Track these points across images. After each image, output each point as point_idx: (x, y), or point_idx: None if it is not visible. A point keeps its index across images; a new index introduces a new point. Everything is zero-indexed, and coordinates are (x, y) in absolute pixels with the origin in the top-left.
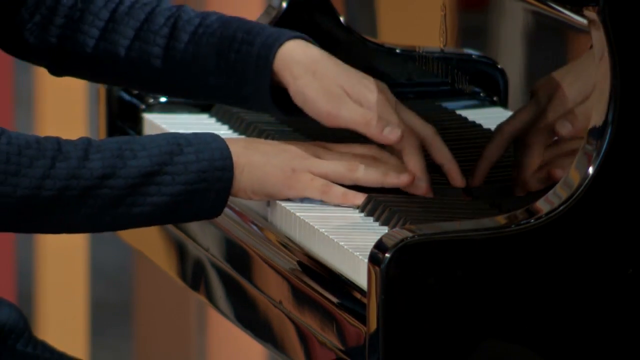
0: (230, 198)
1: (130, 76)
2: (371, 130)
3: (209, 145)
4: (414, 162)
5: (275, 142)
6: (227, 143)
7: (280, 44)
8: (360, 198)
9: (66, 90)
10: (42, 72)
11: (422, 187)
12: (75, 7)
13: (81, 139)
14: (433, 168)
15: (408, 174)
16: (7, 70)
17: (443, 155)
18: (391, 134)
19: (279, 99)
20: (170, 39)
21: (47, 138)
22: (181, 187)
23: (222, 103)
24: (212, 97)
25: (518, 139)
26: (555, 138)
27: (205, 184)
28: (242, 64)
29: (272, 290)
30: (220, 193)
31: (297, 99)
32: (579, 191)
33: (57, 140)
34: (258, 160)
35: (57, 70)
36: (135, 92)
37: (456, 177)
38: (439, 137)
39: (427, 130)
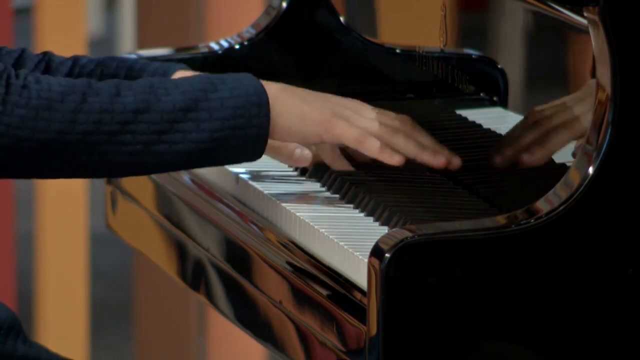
0: (230, 198)
1: None
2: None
3: (242, 82)
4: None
5: (314, 92)
6: (263, 83)
7: (172, 74)
8: (397, 159)
9: None
10: None
11: (445, 152)
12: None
13: (112, 79)
14: (435, 168)
15: (444, 157)
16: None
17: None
18: (301, 157)
19: None
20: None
21: (77, 79)
22: (219, 122)
23: None
24: None
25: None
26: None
27: (243, 120)
28: None
29: (272, 290)
30: (260, 130)
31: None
32: (579, 191)
33: (87, 80)
34: (297, 104)
35: None
36: None
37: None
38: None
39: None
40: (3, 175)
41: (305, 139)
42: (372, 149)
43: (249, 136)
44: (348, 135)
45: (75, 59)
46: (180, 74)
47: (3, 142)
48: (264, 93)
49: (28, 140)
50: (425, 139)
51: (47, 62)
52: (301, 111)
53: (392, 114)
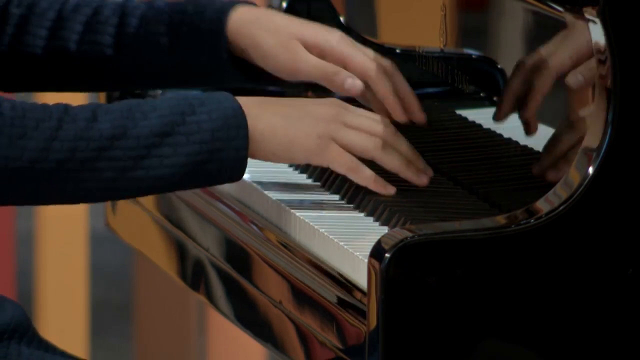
0: (230, 198)
1: (85, 72)
2: (332, 84)
3: (221, 104)
4: (384, 85)
5: (293, 102)
6: (242, 104)
7: (232, 8)
8: (390, 188)
9: None
10: None
11: (422, 165)
12: (24, 15)
13: (90, 103)
14: (436, 168)
15: (427, 177)
16: None
17: (403, 87)
18: (353, 88)
19: (238, 68)
20: (119, 26)
21: (53, 104)
22: (196, 146)
23: (184, 86)
24: (172, 80)
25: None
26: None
27: (221, 143)
28: (196, 34)
29: (272, 290)
30: (239, 152)
31: (257, 57)
32: (579, 191)
33: (64, 105)
34: (280, 124)
35: (10, 82)
36: (137, 91)
37: (416, 111)
38: (399, 71)
39: (387, 64)
40: None
41: (292, 162)
42: (364, 179)
43: (228, 159)
44: (339, 164)
45: (150, 2)
46: (242, 8)
47: None
48: (242, 115)
49: (1, 169)
50: (405, 146)
51: (123, 6)
52: (287, 136)
53: (372, 116)
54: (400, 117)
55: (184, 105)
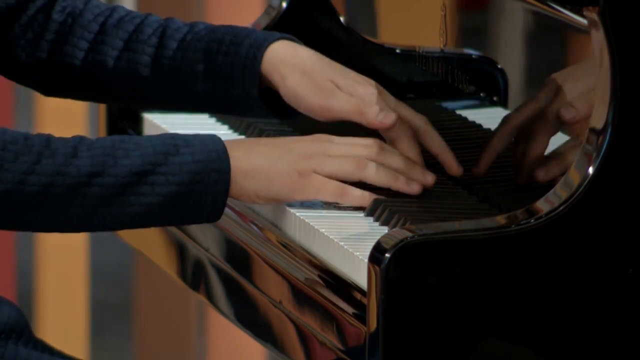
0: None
1: (119, 88)
2: (366, 117)
3: (207, 147)
4: (409, 147)
5: (277, 142)
6: (227, 147)
7: (268, 44)
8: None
9: None
10: None
11: (418, 175)
12: (65, 22)
13: (74, 136)
14: (435, 168)
15: (418, 184)
16: None
17: (437, 144)
18: (386, 119)
19: (269, 102)
20: (158, 47)
21: (37, 135)
22: (175, 187)
23: (213, 112)
24: (202, 105)
25: (522, 133)
26: (558, 129)
27: (201, 186)
28: (230, 66)
29: (272, 290)
30: (217, 196)
31: (289, 97)
32: (579, 191)
33: (47, 137)
34: (261, 164)
35: (48, 88)
36: None
37: (452, 165)
38: (431, 126)
39: (419, 120)
40: None
41: (276, 201)
42: (354, 199)
43: (206, 201)
44: (325, 193)
45: (191, 26)
46: (279, 44)
47: None
48: (226, 159)
49: None
50: (395, 160)
51: (164, 28)
52: (268, 177)
53: (358, 141)
54: (457, 170)
55: (169, 145)
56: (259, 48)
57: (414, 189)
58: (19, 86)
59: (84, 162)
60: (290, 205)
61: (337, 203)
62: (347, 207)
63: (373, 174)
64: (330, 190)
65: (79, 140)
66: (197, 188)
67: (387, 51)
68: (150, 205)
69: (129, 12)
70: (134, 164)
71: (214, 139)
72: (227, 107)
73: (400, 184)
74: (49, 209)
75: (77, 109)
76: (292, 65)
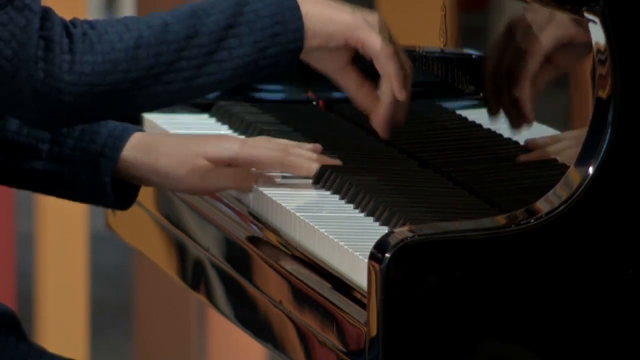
0: (230, 198)
1: None
2: (243, 190)
3: None
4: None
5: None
6: None
7: (130, 134)
8: (404, 94)
9: None
10: None
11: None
12: None
13: (150, 14)
14: (435, 168)
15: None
16: None
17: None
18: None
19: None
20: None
21: (122, 17)
22: (259, 33)
23: (48, 193)
24: (46, 187)
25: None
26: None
27: (280, 26)
28: (83, 152)
29: (272, 290)
30: (296, 34)
31: (163, 184)
32: (579, 191)
33: (134, 16)
34: (323, 5)
35: None
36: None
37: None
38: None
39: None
40: (73, 121)
41: (329, 41)
42: (391, 60)
43: (288, 41)
44: (372, 41)
45: None
46: (137, 136)
47: (76, 90)
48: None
49: (99, 84)
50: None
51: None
52: (329, 13)
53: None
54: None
55: None
56: (121, 137)
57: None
58: None
59: (177, 27)
60: (291, 205)
61: (337, 200)
62: (347, 206)
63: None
64: (377, 41)
65: (159, 13)
66: (278, 30)
67: None
68: (243, 56)
69: None
70: (219, 19)
71: None
72: (65, 191)
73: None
74: (162, 79)
75: None
76: (155, 152)
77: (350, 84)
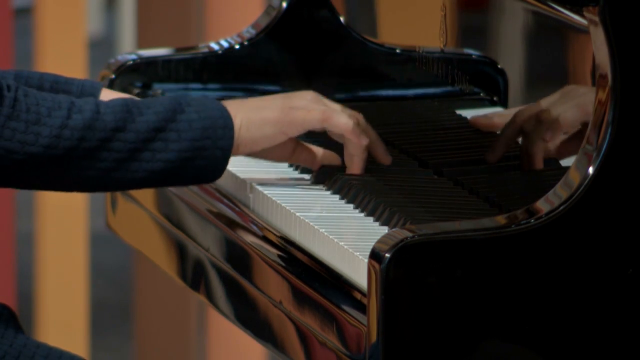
0: (230, 198)
1: None
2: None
3: (207, 105)
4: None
5: (266, 97)
6: (225, 104)
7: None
8: (364, 138)
9: None
10: (42, 69)
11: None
12: None
13: (88, 97)
14: (435, 168)
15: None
16: (8, 67)
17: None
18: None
19: None
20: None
21: (59, 95)
22: (187, 143)
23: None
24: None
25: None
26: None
27: (210, 141)
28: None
29: (272, 290)
30: (224, 152)
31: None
32: (579, 191)
33: (68, 96)
34: (254, 109)
35: None
36: (136, 91)
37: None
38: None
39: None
40: None
41: (271, 142)
42: (337, 125)
43: (214, 157)
44: (311, 117)
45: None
46: (106, 93)
47: None
48: (229, 117)
49: (15, 152)
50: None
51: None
52: (262, 117)
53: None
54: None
55: (175, 104)
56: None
57: (363, 142)
58: None
59: (108, 117)
60: (290, 205)
61: (337, 200)
62: (347, 206)
63: (365, 125)
64: (316, 115)
65: (95, 100)
66: (207, 143)
67: (387, 51)
68: (166, 161)
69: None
70: (150, 121)
71: (209, 98)
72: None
73: (358, 132)
74: (80, 164)
75: None
76: None
77: (309, 159)
